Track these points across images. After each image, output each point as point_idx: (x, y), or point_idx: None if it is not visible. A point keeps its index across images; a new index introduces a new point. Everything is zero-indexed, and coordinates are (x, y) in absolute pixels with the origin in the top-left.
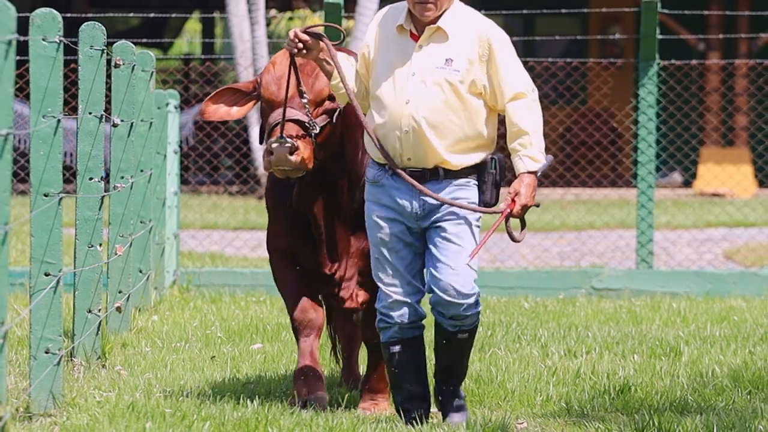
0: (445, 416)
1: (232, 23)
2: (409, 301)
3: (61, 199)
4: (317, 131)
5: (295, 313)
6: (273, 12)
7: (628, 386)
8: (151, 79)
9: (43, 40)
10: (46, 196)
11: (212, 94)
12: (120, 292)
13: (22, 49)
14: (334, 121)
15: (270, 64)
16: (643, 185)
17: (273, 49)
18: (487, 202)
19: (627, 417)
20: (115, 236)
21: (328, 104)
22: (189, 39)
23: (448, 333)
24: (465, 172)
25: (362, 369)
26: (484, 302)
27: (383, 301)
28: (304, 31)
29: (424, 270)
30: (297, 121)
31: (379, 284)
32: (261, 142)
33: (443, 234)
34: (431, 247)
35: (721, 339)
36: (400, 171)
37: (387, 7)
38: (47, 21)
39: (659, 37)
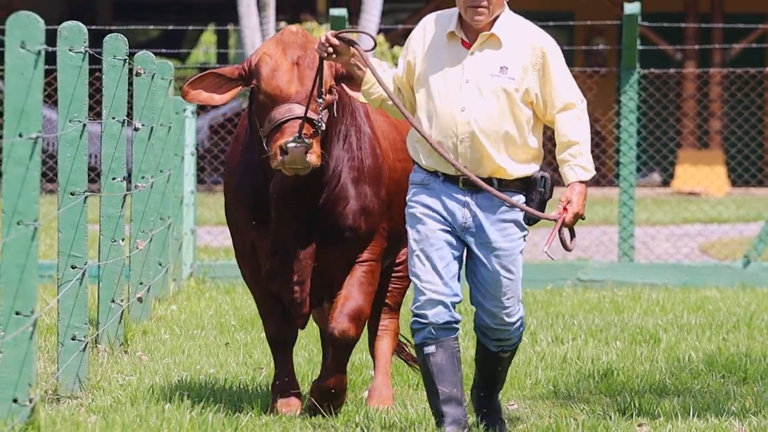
0: (487, 426)
1: (245, 35)
2: (444, 300)
3: (86, 197)
4: (323, 128)
5: (269, 332)
6: (282, 24)
7: (611, 370)
8: (169, 86)
9: (70, 50)
10: (72, 194)
11: (194, 77)
12: (141, 283)
13: (51, 59)
14: (335, 114)
15: (264, 55)
16: (625, 184)
17: None
18: (530, 218)
19: (610, 399)
20: (136, 232)
21: (328, 98)
22: (205, 49)
23: (490, 353)
24: (516, 186)
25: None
26: None
27: (418, 300)
28: (336, 36)
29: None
30: (308, 120)
31: (415, 281)
32: (263, 136)
33: (490, 266)
34: (476, 272)
35: (696, 327)
36: (465, 170)
37: (433, 14)
38: (74, 33)
39: (640, 47)
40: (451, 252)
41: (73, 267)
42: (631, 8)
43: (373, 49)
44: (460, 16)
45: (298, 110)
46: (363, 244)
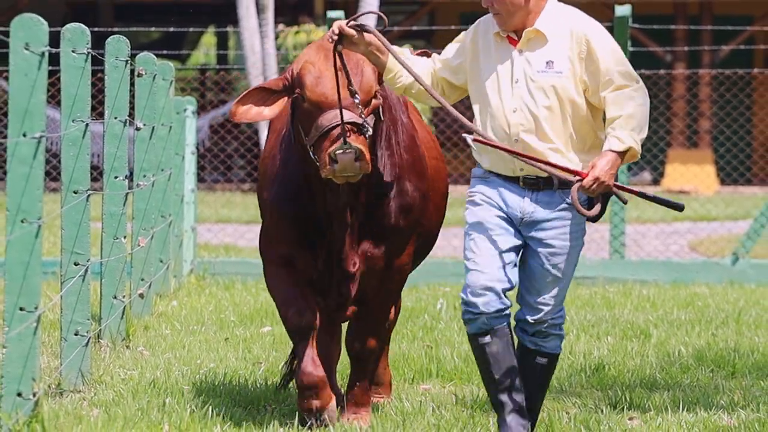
0: None
1: (244, 36)
2: (495, 287)
3: (89, 195)
4: (370, 132)
5: (290, 320)
6: (281, 26)
7: (602, 365)
8: (170, 87)
9: (73, 51)
10: (75, 193)
11: (241, 95)
12: (142, 279)
13: (54, 60)
14: (382, 118)
15: (306, 63)
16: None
17: (281, 59)
18: (593, 215)
19: (601, 393)
20: (138, 229)
21: (374, 102)
22: (205, 51)
23: (526, 352)
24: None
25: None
26: None
27: (469, 286)
28: (349, 24)
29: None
30: (354, 124)
31: (467, 263)
32: (309, 145)
33: (543, 262)
34: (529, 267)
35: (686, 322)
36: (510, 149)
37: (482, 18)
38: (76, 35)
39: (630, 49)
40: (507, 239)
41: (76, 264)
42: (622, 10)
43: (384, 28)
44: None
45: (346, 116)
46: (403, 243)
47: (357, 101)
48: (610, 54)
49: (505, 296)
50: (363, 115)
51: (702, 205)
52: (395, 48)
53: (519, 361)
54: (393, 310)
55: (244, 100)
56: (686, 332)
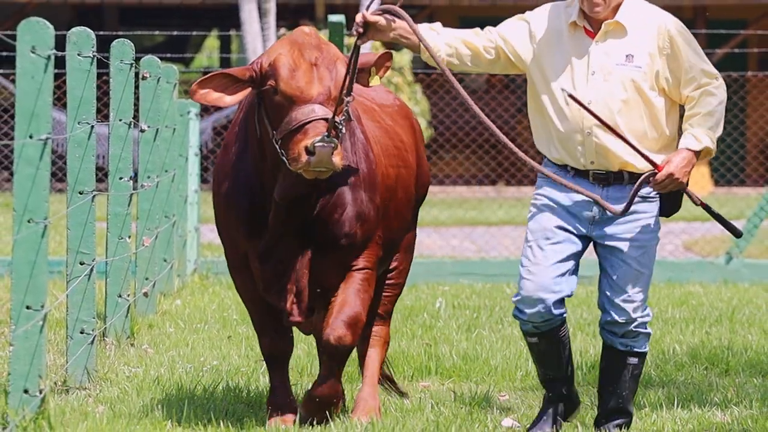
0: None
1: (247, 40)
2: (546, 298)
3: (94, 196)
4: (344, 131)
5: (265, 347)
6: (282, 30)
7: (598, 363)
8: (174, 89)
9: (79, 55)
10: (81, 193)
11: (204, 77)
12: (147, 279)
13: (60, 63)
14: (351, 118)
15: (280, 55)
16: None
17: None
18: (665, 212)
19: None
20: (142, 229)
21: (345, 101)
22: (208, 54)
23: (617, 354)
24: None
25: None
26: (471, 290)
27: (520, 294)
28: (375, 13)
29: (577, 275)
30: (330, 120)
31: (522, 272)
32: (276, 139)
33: (622, 256)
34: (607, 266)
35: (680, 321)
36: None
37: (548, 5)
38: (82, 38)
39: None
40: (567, 246)
41: (81, 263)
42: None
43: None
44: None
45: (320, 111)
46: (359, 251)
47: (348, 100)
48: (693, 52)
49: (559, 305)
50: (346, 113)
51: (696, 206)
52: (424, 26)
53: (609, 364)
54: (385, 327)
55: (205, 83)
56: (681, 330)
